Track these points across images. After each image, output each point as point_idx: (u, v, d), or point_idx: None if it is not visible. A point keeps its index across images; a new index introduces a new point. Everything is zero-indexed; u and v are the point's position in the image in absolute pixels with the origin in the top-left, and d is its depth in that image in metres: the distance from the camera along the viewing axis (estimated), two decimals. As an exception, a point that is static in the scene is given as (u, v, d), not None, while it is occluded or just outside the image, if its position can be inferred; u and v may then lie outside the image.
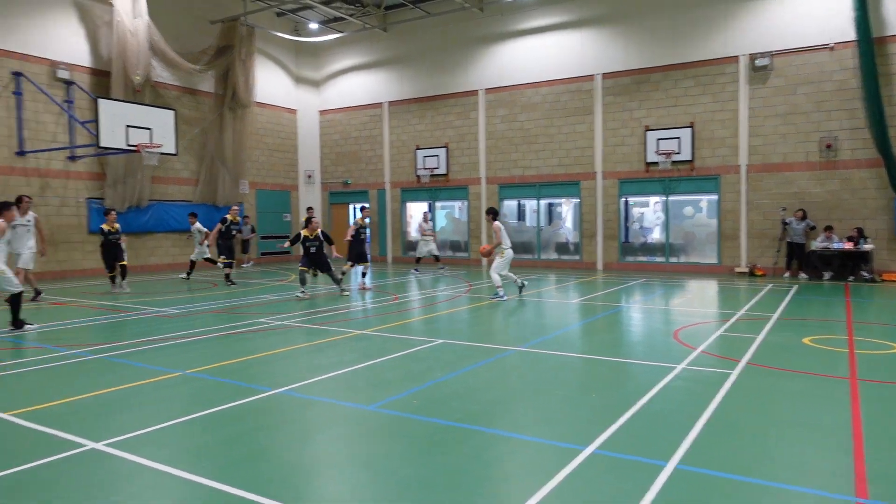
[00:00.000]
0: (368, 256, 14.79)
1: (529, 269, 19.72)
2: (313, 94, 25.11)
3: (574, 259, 20.27)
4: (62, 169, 17.30)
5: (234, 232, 15.73)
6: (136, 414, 5.02)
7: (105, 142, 15.43)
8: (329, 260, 13.13)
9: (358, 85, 24.10)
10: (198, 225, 16.45)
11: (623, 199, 19.42)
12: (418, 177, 22.68)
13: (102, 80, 17.90)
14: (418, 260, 18.86)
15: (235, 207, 16.35)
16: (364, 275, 14.61)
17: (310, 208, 17.29)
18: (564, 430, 4.58)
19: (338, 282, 13.05)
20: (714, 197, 18.07)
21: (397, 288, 14.65)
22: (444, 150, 22.09)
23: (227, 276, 15.31)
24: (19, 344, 8.08)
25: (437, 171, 22.25)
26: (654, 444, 4.23)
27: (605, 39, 19.19)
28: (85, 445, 4.28)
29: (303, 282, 12.65)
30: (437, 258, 18.56)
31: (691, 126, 17.88)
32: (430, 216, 19.29)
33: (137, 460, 4.01)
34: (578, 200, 20.02)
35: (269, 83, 23.34)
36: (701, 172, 17.97)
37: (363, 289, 13.99)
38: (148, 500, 3.50)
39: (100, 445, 4.27)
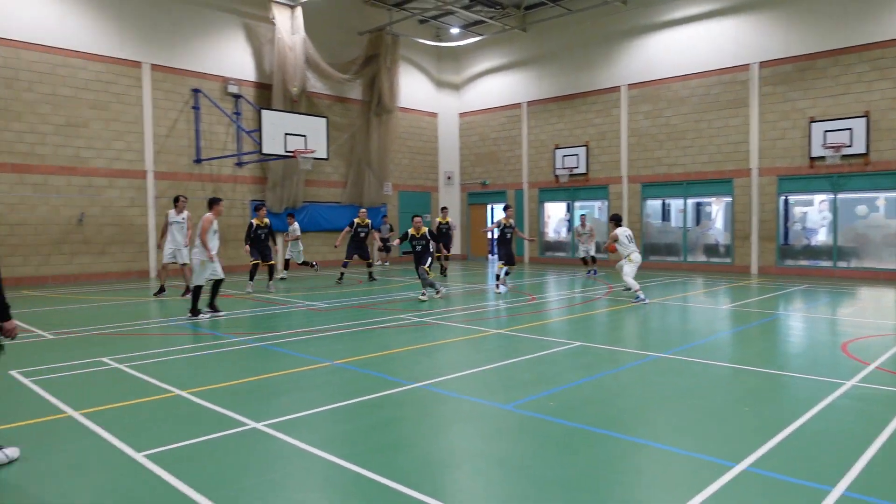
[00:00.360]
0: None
1: (674, 271, 18.75)
2: (453, 96, 25.68)
3: (724, 262, 18.96)
4: (231, 174, 19.16)
5: (362, 234, 15.88)
6: (292, 399, 5.44)
7: (267, 149, 16.87)
8: (428, 259, 12.64)
9: (497, 86, 24.29)
10: (295, 225, 17.06)
11: (782, 198, 17.85)
12: (557, 176, 22.39)
13: (265, 93, 19.58)
14: (584, 261, 17.98)
15: (363, 210, 16.39)
16: (505, 274, 14.29)
17: (444, 208, 17.63)
18: (712, 444, 4.30)
19: (430, 285, 12.49)
20: (894, 194, 16.06)
21: (534, 288, 14.56)
22: (583, 148, 21.63)
23: (341, 276, 15.78)
24: (195, 330, 9.06)
25: (576, 171, 21.83)
26: (817, 466, 3.86)
27: (763, 25, 17.75)
28: (248, 424, 4.71)
29: (431, 285, 12.53)
30: (593, 259, 17.75)
31: (866, 115, 16.02)
32: (586, 219, 18.31)
33: (292, 442, 4.34)
34: (730, 199, 18.69)
35: (412, 88, 24.21)
36: (878, 167, 16.05)
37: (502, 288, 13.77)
38: (300, 480, 3.79)
39: (260, 425, 4.68)
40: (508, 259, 13.72)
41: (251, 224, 13.97)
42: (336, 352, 7.39)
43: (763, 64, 17.81)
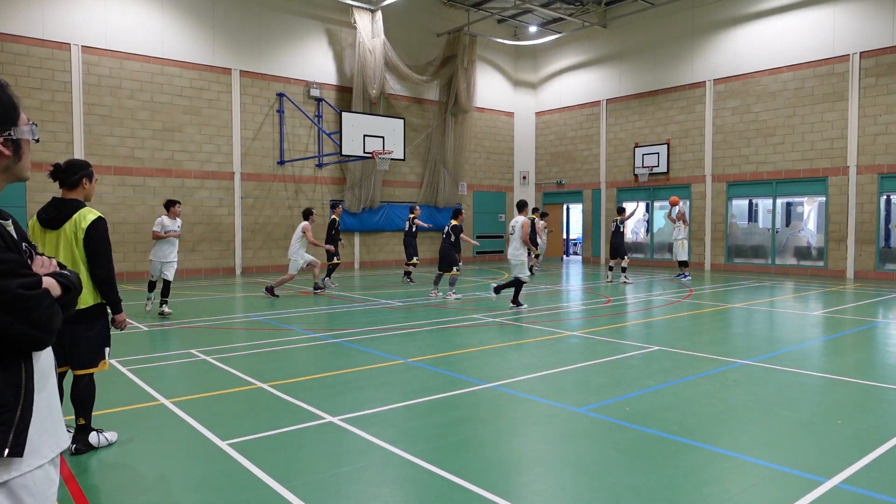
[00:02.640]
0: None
1: (761, 274, 17.85)
2: (530, 95, 25.48)
3: (817, 266, 17.87)
4: (311, 175, 19.80)
5: (414, 230, 15.78)
6: (367, 394, 5.57)
7: (346, 150, 17.33)
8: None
9: (575, 84, 23.90)
10: (178, 222, 10.50)
11: (884, 197, 16.64)
12: (636, 175, 21.80)
13: (345, 95, 20.11)
14: (681, 264, 16.91)
15: (418, 209, 16.28)
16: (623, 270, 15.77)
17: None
18: (800, 457, 4.08)
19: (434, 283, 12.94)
20: None
21: (610, 290, 14.24)
22: (664, 146, 20.94)
23: (408, 273, 15.74)
24: (275, 326, 9.42)
25: (656, 170, 21.17)
26: (918, 486, 3.58)
27: (865, 12, 16.59)
28: (324, 418, 4.86)
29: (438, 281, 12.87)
30: (685, 264, 16.56)
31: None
32: (678, 200, 17.18)
33: (366, 436, 4.45)
34: (824, 199, 17.59)
35: (489, 88, 24.19)
36: None
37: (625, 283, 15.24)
38: (373, 474, 3.87)
39: (336, 419, 4.82)
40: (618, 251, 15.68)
41: (334, 220, 14.64)
42: (409, 350, 7.51)
43: (864, 54, 16.65)
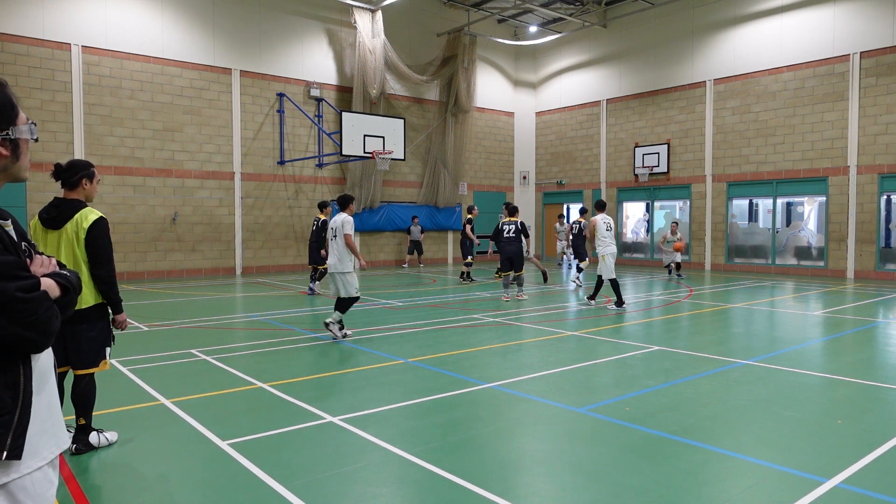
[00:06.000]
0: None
1: (762, 274, 17.84)
2: (530, 95, 25.48)
3: (817, 266, 17.86)
4: (312, 175, 19.80)
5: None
6: (367, 394, 5.57)
7: (346, 150, 17.33)
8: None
9: (575, 84, 23.90)
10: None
11: (884, 197, 16.63)
12: (636, 175, 21.79)
13: (345, 95, 20.10)
14: (669, 269, 17.29)
15: (476, 209, 16.25)
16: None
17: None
18: (799, 457, 4.08)
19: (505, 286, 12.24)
20: None
21: (611, 290, 14.20)
22: (664, 146, 20.94)
23: (467, 275, 15.75)
24: (276, 326, 9.42)
25: (656, 170, 21.17)
26: (918, 486, 3.58)
27: (865, 12, 16.58)
28: (324, 418, 4.86)
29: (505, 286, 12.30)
30: (678, 265, 16.93)
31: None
32: (677, 227, 17.53)
33: (366, 436, 4.45)
34: (824, 199, 17.59)
35: (489, 88, 24.19)
36: None
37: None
38: (372, 474, 3.87)
39: (336, 419, 4.82)
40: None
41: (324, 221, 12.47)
42: (409, 350, 7.50)
43: (864, 54, 16.65)
